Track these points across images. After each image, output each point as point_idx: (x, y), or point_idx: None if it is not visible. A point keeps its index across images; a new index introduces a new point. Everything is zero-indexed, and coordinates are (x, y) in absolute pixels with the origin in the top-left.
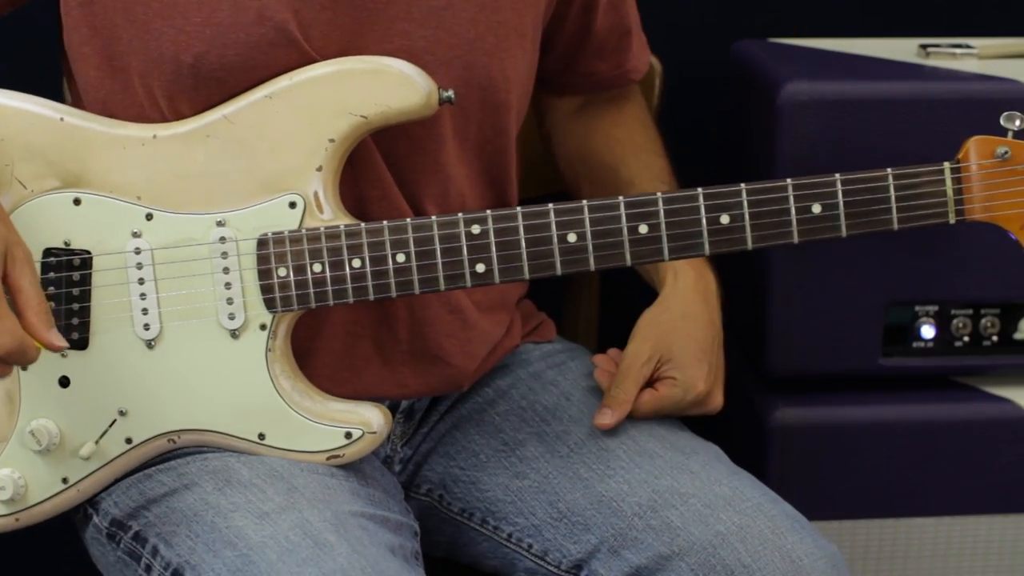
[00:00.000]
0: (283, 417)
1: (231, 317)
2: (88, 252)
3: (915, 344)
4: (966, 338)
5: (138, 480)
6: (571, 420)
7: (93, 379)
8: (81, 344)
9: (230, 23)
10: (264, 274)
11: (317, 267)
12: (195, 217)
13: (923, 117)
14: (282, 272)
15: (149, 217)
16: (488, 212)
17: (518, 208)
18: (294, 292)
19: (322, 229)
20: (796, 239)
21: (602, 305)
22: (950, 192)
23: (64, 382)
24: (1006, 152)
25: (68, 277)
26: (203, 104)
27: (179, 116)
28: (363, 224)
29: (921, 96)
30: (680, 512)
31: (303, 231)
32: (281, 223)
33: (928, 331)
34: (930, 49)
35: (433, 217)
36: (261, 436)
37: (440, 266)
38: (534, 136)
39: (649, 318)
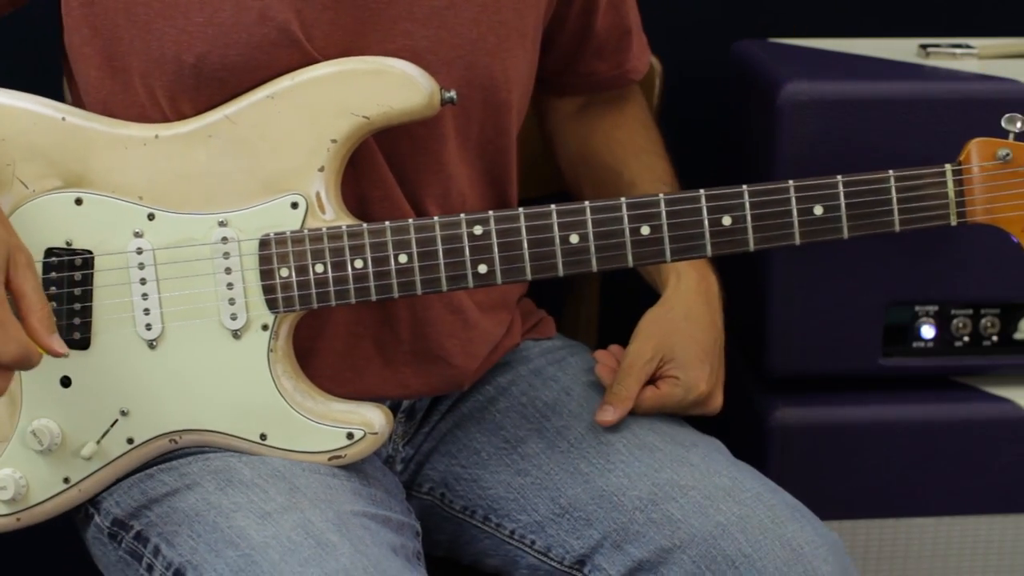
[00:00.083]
0: (285, 417)
1: (233, 317)
2: (90, 252)
3: (915, 344)
4: (966, 338)
5: (140, 480)
6: (571, 415)
7: (95, 379)
8: (83, 344)
9: (232, 23)
10: (266, 274)
11: (319, 267)
12: (197, 217)
13: (923, 117)
14: (284, 272)
15: (151, 217)
16: (490, 213)
17: (520, 209)
18: (296, 292)
19: (324, 229)
20: (798, 240)
21: (602, 305)
22: (951, 194)
23: (66, 382)
24: (1007, 154)
25: (70, 277)
26: (205, 104)
27: (181, 116)
28: (365, 224)
29: (921, 96)
30: (680, 504)
31: (305, 231)
32: (283, 223)
33: (928, 331)
34: (930, 49)
35: (435, 218)
36: (263, 436)
37: (442, 267)
38: (534, 136)
39: (652, 318)
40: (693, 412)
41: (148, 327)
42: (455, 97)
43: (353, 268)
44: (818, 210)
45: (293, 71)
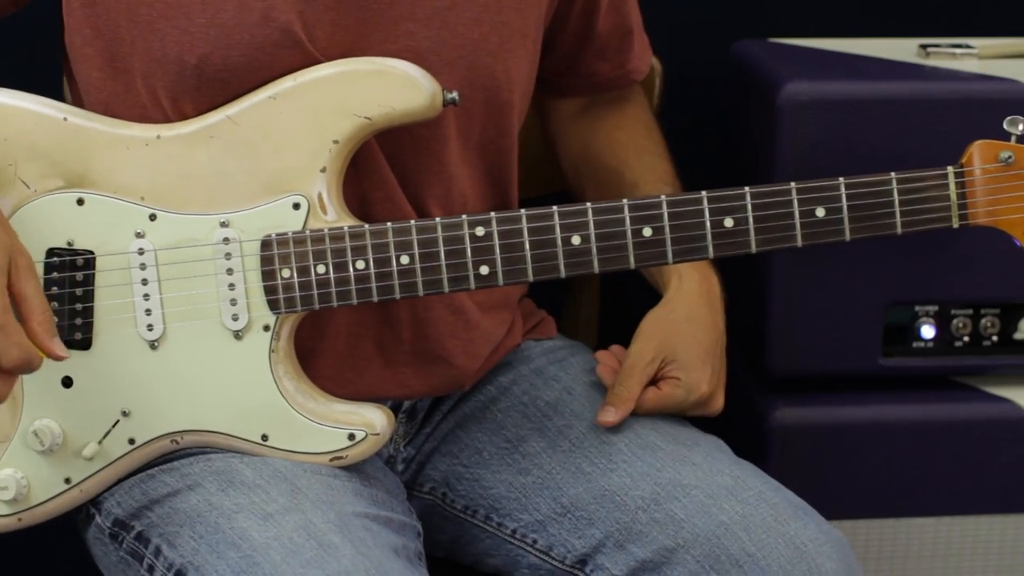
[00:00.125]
0: (286, 418)
1: (235, 318)
2: (91, 252)
3: (915, 344)
4: (966, 338)
5: (141, 480)
6: (573, 415)
7: (96, 379)
8: (84, 344)
9: (234, 24)
10: (268, 275)
11: (321, 268)
12: (199, 218)
13: (923, 117)
14: (286, 273)
15: (153, 217)
16: (492, 214)
17: (522, 210)
18: (298, 293)
19: (326, 230)
20: (800, 243)
21: (602, 305)
22: (954, 196)
23: (67, 382)
24: (1010, 157)
25: (71, 277)
26: (207, 105)
27: (183, 117)
28: (367, 225)
29: (921, 96)
30: (683, 504)
31: (307, 232)
32: (285, 224)
33: (928, 331)
34: (930, 49)
35: (437, 219)
36: (264, 437)
37: (444, 268)
38: (534, 136)
39: (653, 319)
40: (694, 413)
41: (149, 327)
42: (457, 98)
43: (355, 269)
44: (820, 212)
45: (295, 72)
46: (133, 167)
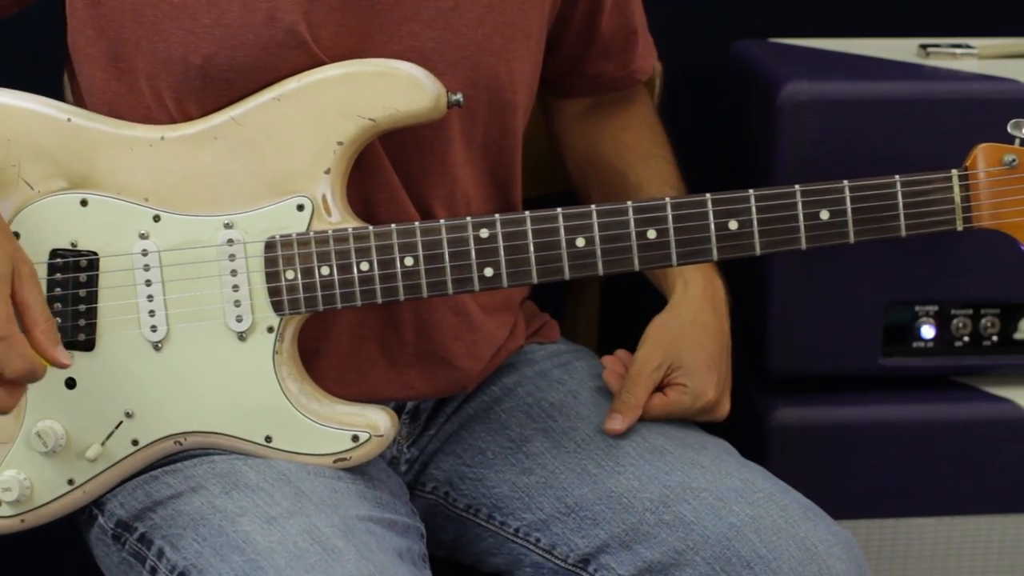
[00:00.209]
0: (290, 420)
1: (238, 319)
2: (95, 253)
3: (915, 344)
4: (966, 338)
5: (144, 482)
6: (578, 417)
7: (99, 380)
8: (87, 345)
9: (239, 25)
10: (272, 276)
11: (325, 270)
12: (202, 219)
13: (923, 117)
14: (290, 275)
15: (156, 219)
16: (496, 216)
17: (526, 212)
18: (302, 295)
19: (330, 232)
20: (804, 245)
21: (602, 306)
22: (958, 199)
23: (70, 383)
24: (1013, 160)
25: (75, 278)
26: (211, 106)
27: (187, 118)
28: (371, 227)
29: (921, 96)
30: (693, 506)
31: (311, 234)
32: (289, 225)
33: (928, 331)
34: (930, 49)
35: (441, 221)
36: (268, 439)
37: (448, 270)
38: (534, 136)
39: (659, 324)
40: (700, 419)
41: (153, 329)
42: (462, 100)
43: (359, 271)
44: (824, 215)
45: (299, 73)
46: (137, 168)
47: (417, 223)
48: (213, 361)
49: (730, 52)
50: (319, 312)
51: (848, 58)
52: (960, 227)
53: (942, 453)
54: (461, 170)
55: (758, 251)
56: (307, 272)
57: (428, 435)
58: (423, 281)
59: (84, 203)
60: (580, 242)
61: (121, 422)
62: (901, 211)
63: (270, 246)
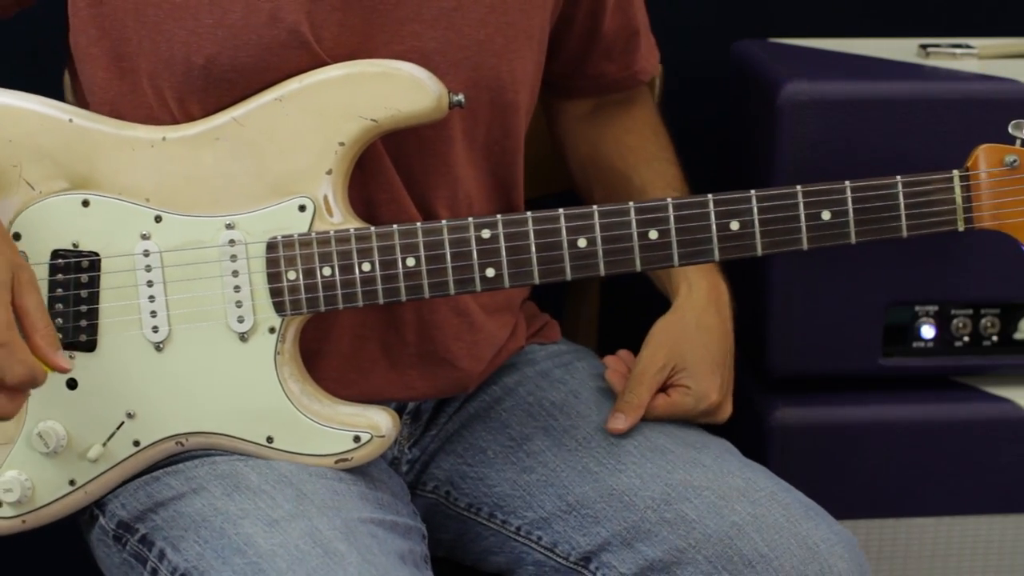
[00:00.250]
0: (291, 420)
1: (240, 320)
2: (96, 254)
3: (915, 344)
4: (966, 338)
5: (146, 483)
6: (579, 416)
7: (101, 381)
8: (89, 346)
9: (242, 25)
10: (273, 277)
11: (327, 270)
12: (204, 219)
13: (923, 117)
14: (291, 275)
15: (158, 219)
16: (498, 217)
17: (528, 213)
18: (303, 295)
19: (332, 232)
20: (805, 245)
21: (602, 307)
22: (959, 200)
23: (72, 384)
24: (1015, 160)
25: (76, 279)
26: (213, 106)
27: (189, 118)
28: (373, 228)
29: (921, 96)
30: (695, 505)
31: (313, 234)
32: (291, 226)
33: (928, 331)
34: (930, 49)
35: (443, 221)
36: (269, 439)
37: (450, 270)
38: (536, 137)
39: (663, 326)
40: (702, 421)
41: (155, 329)
42: (463, 100)
43: (360, 271)
44: (826, 215)
45: (302, 73)
46: (138, 169)
47: (419, 223)
48: (214, 362)
49: (730, 52)
50: (320, 313)
51: (848, 58)
52: (961, 227)
53: (942, 453)
54: (463, 170)
55: (760, 251)
56: (309, 273)
57: (429, 435)
58: (425, 282)
59: (86, 204)
60: (582, 242)
61: (123, 423)
62: (902, 211)
63: (272, 247)
